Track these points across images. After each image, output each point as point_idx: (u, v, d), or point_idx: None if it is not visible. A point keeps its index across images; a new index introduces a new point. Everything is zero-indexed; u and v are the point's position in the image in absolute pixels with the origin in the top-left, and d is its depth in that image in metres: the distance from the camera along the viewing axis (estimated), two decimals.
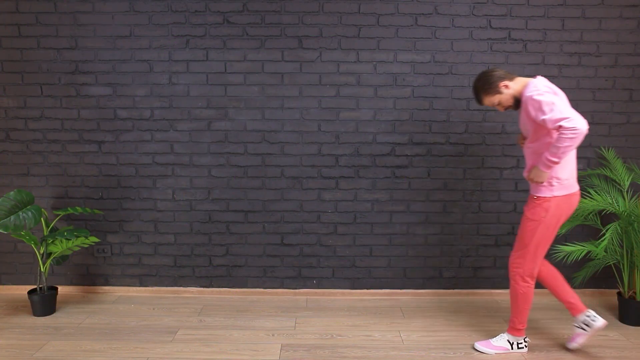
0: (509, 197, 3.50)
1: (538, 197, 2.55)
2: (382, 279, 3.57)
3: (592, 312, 2.66)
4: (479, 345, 2.77)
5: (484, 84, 2.59)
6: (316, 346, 2.79)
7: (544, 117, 2.36)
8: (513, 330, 2.74)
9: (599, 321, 2.63)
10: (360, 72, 3.38)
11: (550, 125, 2.34)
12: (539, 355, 2.69)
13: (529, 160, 2.61)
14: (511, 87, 2.56)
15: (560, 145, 2.32)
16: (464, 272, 3.56)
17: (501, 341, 2.77)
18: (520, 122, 2.59)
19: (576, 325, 2.70)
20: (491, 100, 2.60)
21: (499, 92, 2.57)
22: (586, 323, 2.67)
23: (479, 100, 2.64)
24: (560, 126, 2.30)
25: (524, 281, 2.64)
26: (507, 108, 2.63)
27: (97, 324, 3.08)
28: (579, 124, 2.26)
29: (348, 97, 3.41)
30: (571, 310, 2.70)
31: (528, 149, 2.59)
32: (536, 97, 2.39)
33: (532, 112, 2.42)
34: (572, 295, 2.71)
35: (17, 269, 3.59)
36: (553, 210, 2.52)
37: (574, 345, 2.72)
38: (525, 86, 2.54)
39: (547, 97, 2.37)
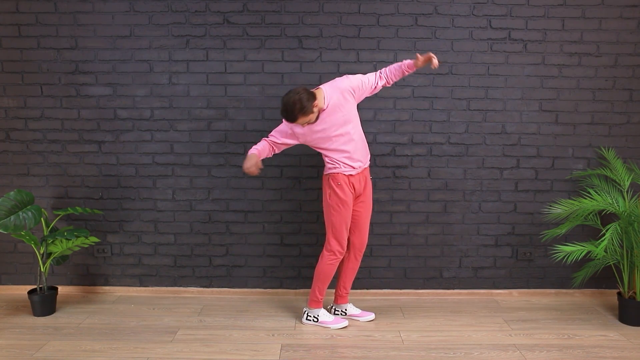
0: (509, 197, 3.50)
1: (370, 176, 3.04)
2: (382, 279, 3.57)
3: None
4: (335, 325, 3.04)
5: (302, 107, 2.66)
6: (316, 346, 2.79)
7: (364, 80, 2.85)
8: (347, 298, 3.17)
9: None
10: (361, 72, 3.38)
11: (374, 86, 2.88)
12: (539, 355, 2.69)
13: (360, 150, 2.89)
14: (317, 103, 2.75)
15: None
16: (464, 272, 3.56)
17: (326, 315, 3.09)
18: (333, 122, 2.79)
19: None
20: (307, 117, 2.72)
21: (312, 112, 2.72)
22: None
23: (295, 118, 2.70)
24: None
25: None
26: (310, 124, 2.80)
27: (97, 324, 3.08)
28: None
29: None
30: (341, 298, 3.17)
31: (353, 141, 2.85)
32: (350, 76, 2.84)
33: (354, 88, 2.81)
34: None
35: (17, 269, 3.59)
36: None
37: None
38: (324, 91, 2.79)
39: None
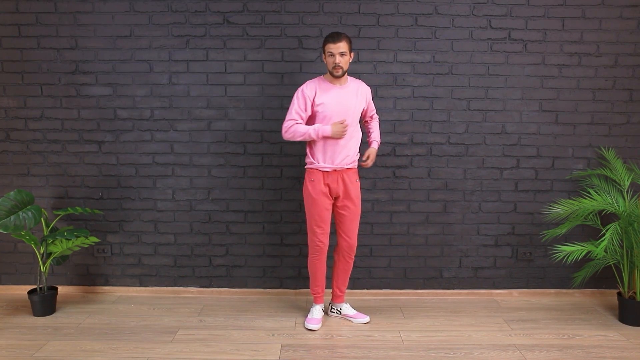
0: (509, 197, 3.50)
1: (357, 179, 3.02)
2: (382, 279, 3.57)
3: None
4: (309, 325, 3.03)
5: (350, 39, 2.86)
6: (316, 346, 2.79)
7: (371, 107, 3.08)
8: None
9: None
10: (360, 72, 3.38)
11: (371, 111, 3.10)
12: (539, 355, 2.70)
13: (345, 151, 2.91)
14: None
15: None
16: (464, 272, 3.56)
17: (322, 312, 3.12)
18: (340, 102, 2.88)
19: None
20: (347, 49, 2.80)
21: (350, 51, 2.87)
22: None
23: (340, 39, 2.77)
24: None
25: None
26: (338, 68, 2.82)
27: (97, 324, 3.08)
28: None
29: None
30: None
31: (350, 127, 2.91)
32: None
33: (368, 99, 3.04)
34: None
35: (17, 269, 3.59)
36: None
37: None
38: (349, 77, 2.98)
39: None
